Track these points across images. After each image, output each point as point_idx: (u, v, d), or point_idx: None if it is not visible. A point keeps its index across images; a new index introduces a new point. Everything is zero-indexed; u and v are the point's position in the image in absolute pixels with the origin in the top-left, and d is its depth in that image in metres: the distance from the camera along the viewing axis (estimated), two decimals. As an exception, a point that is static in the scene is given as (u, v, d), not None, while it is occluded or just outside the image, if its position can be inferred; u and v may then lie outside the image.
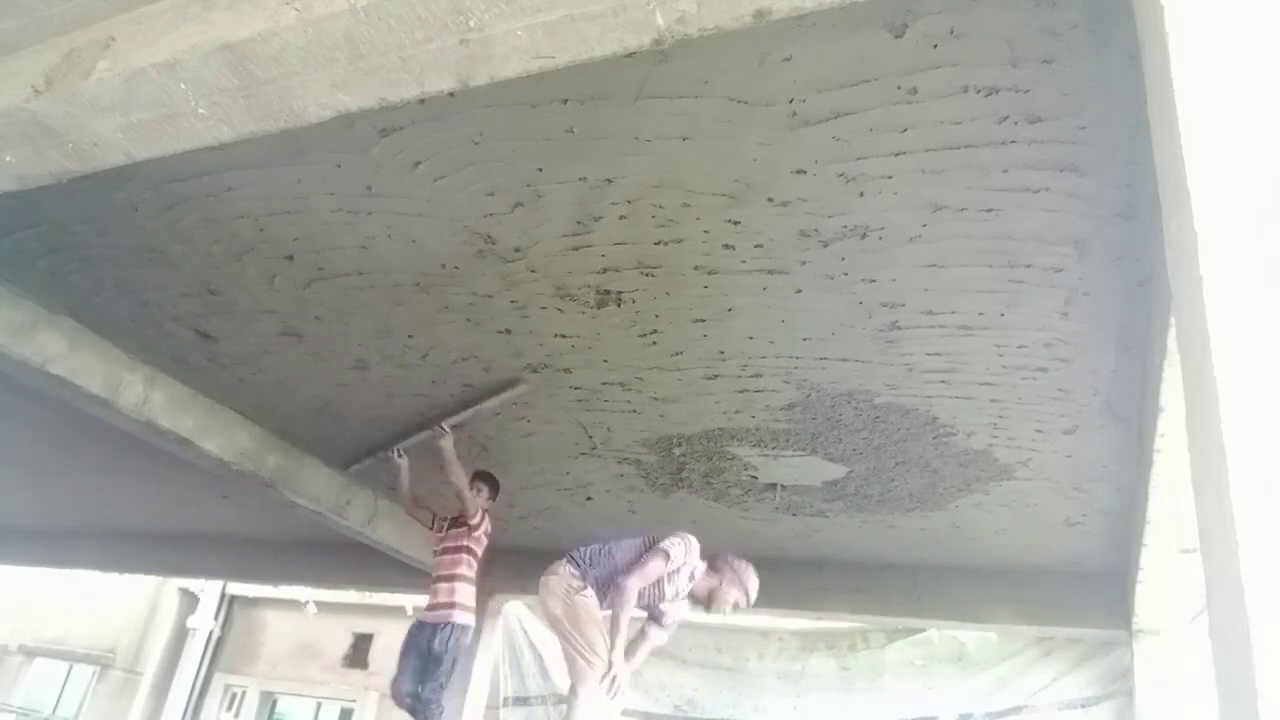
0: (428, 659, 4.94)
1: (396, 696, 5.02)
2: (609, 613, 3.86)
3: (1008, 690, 6.89)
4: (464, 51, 2.07)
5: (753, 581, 4.07)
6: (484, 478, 5.27)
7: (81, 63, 2.47)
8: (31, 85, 2.51)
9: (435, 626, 4.97)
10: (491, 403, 4.71)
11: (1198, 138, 1.33)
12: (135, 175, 3.36)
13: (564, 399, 4.81)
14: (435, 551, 5.27)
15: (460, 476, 4.89)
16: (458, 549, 5.12)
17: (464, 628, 5.04)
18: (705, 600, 4.09)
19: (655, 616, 4.16)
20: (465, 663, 7.62)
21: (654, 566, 3.84)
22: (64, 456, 7.06)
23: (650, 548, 3.95)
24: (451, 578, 5.08)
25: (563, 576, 3.92)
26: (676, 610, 4.15)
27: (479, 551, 5.19)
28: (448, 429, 4.81)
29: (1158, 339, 3.02)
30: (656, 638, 4.21)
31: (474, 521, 5.08)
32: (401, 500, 5.43)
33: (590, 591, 3.88)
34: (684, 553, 3.94)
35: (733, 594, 4.04)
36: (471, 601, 5.13)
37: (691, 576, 4.05)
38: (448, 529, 5.22)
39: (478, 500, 5.11)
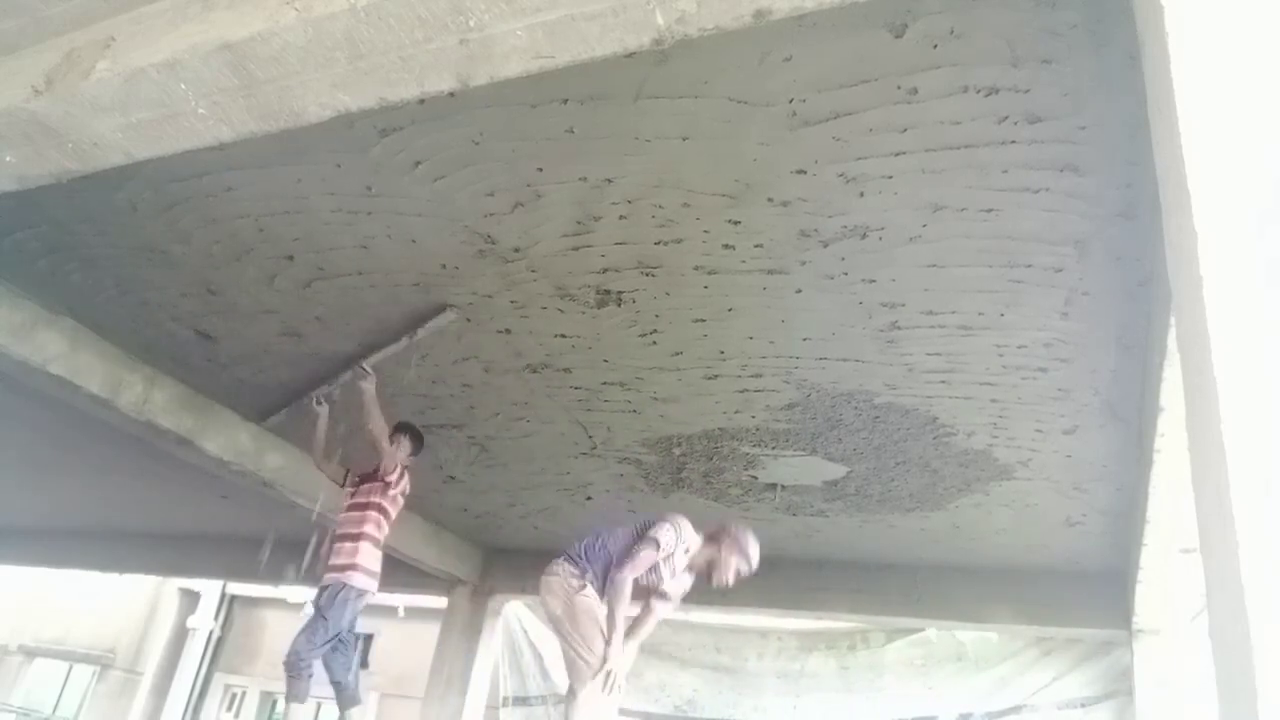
0: (322, 627, 4.43)
1: (290, 660, 4.38)
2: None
3: (1008, 690, 6.90)
4: (464, 51, 2.07)
5: (753, 546, 4.01)
6: (407, 430, 4.79)
7: (81, 63, 2.47)
8: (31, 85, 2.51)
9: (335, 589, 4.47)
10: (417, 335, 4.21)
11: (1198, 138, 1.33)
12: (135, 175, 3.36)
13: (564, 399, 4.81)
14: (344, 508, 4.75)
15: (379, 424, 4.41)
16: (366, 505, 4.62)
17: (359, 592, 4.49)
18: (706, 572, 4.07)
19: (659, 595, 4.14)
20: (465, 662, 7.64)
21: (645, 557, 3.81)
22: (64, 456, 7.06)
23: (641, 536, 3.93)
24: (355, 537, 4.55)
25: (562, 576, 3.90)
26: (679, 584, 4.13)
27: (392, 512, 4.70)
28: (369, 369, 4.35)
29: (1158, 339, 3.02)
30: (661, 611, 4.16)
31: (390, 477, 4.59)
32: (313, 453, 4.88)
33: (590, 589, 3.88)
34: (675, 538, 3.91)
35: (733, 561, 3.98)
36: (374, 565, 4.58)
37: (687, 552, 4.03)
38: (359, 484, 4.73)
39: (397, 455, 4.62)
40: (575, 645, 3.75)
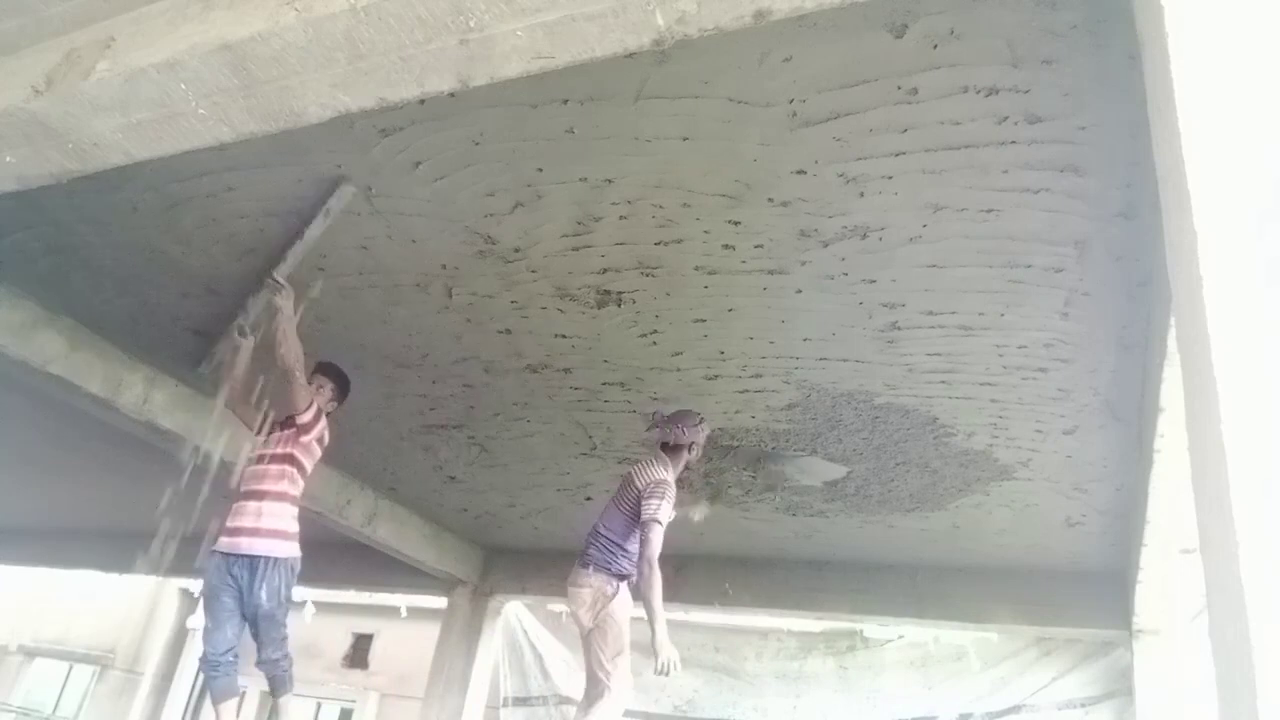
0: (247, 610, 3.80)
1: (207, 659, 3.81)
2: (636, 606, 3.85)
3: (1007, 690, 6.89)
4: (464, 51, 2.07)
5: (695, 426, 4.07)
6: (329, 372, 4.14)
7: (81, 63, 2.47)
8: (31, 85, 2.51)
9: (251, 566, 3.76)
10: (318, 224, 3.56)
11: (1198, 138, 1.33)
12: (135, 176, 3.36)
13: (564, 399, 4.81)
14: (250, 460, 4.05)
15: (295, 350, 3.67)
16: (280, 458, 3.92)
17: (290, 563, 3.85)
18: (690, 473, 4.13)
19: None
20: (465, 662, 7.64)
21: (656, 538, 3.79)
22: (64, 456, 7.06)
23: (634, 506, 3.90)
24: (265, 495, 3.86)
25: (595, 588, 3.85)
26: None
27: (308, 464, 3.98)
28: (282, 281, 3.64)
29: (1158, 339, 3.01)
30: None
31: (304, 419, 3.86)
32: (229, 389, 4.07)
33: (623, 592, 3.86)
34: (671, 503, 3.89)
35: (695, 451, 4.08)
36: (293, 525, 3.90)
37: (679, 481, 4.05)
38: (270, 433, 4.03)
39: (317, 397, 3.96)
40: (601, 657, 3.74)
